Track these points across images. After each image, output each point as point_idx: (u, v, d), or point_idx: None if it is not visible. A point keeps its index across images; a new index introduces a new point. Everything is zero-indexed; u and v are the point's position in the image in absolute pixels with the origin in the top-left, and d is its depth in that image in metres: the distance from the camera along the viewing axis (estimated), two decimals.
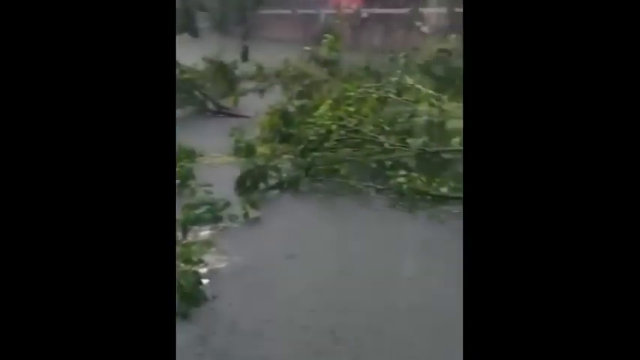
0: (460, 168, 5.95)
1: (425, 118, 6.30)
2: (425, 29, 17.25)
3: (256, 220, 5.10)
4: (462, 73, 6.72)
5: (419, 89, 6.75)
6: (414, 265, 4.28)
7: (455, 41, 9.61)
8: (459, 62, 9.05)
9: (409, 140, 6.23)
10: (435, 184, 5.66)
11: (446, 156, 6.12)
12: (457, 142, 6.00)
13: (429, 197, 5.57)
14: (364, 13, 19.46)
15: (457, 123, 6.12)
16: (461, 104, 6.56)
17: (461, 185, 5.71)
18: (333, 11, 20.00)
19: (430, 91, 6.69)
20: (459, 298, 3.70)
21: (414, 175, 5.73)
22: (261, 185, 5.85)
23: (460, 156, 6.10)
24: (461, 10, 18.09)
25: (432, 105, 6.40)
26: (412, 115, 6.52)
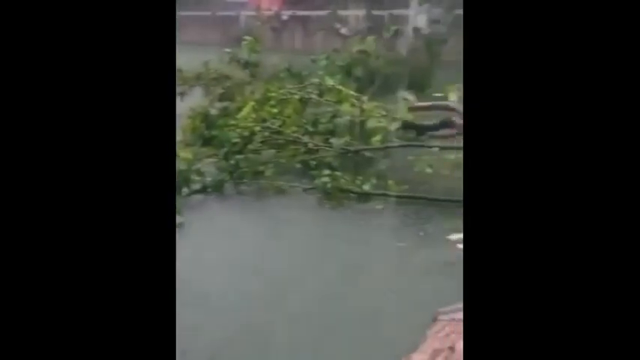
0: (380, 165, 6.12)
1: (346, 118, 6.42)
2: (344, 31, 17.53)
3: (180, 226, 5.01)
4: (380, 73, 6.90)
5: (340, 90, 6.86)
6: (342, 263, 4.34)
7: (373, 43, 9.84)
8: (377, 63, 9.29)
9: (332, 140, 6.34)
10: (358, 182, 5.78)
11: (367, 154, 6.28)
12: (377, 140, 6.16)
13: (353, 195, 5.68)
14: (284, 15, 19.52)
15: (376, 122, 6.29)
16: (379, 104, 6.74)
17: (382, 182, 5.87)
18: (252, 13, 19.92)
19: (351, 92, 6.81)
20: (388, 292, 3.81)
21: (338, 174, 5.83)
22: (184, 190, 5.74)
23: (380, 154, 6.28)
24: (378, 12, 18.56)
25: (352, 105, 6.53)
26: (334, 116, 6.63)
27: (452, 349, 2.92)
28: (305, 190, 5.82)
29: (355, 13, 18.42)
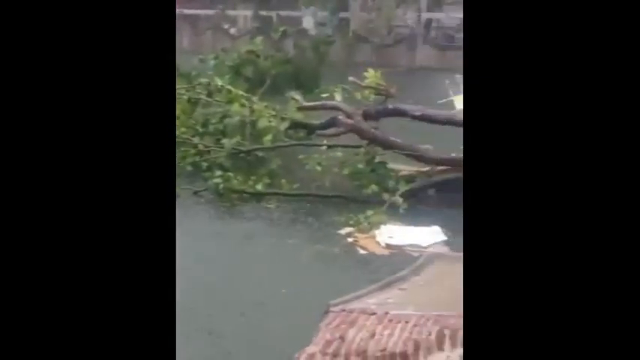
0: (272, 165, 6.20)
1: (237, 118, 6.42)
2: (233, 31, 17.43)
3: None
4: (269, 73, 6.88)
5: (229, 90, 6.85)
6: (234, 261, 4.37)
7: (261, 43, 9.90)
8: (266, 63, 9.36)
9: (223, 141, 6.31)
10: (250, 182, 5.81)
11: (259, 154, 6.33)
12: (268, 140, 6.23)
13: (245, 195, 5.71)
14: None
15: (267, 122, 6.35)
16: (269, 104, 6.81)
17: (274, 181, 5.96)
18: None
19: (240, 92, 6.82)
20: (280, 288, 3.89)
21: (230, 174, 5.83)
22: None
23: (271, 153, 6.35)
24: (265, 13, 18.50)
25: (242, 105, 6.55)
26: (224, 116, 6.61)
27: (342, 338, 3.07)
28: (196, 192, 5.77)
29: (243, 13, 18.36)
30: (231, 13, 18.34)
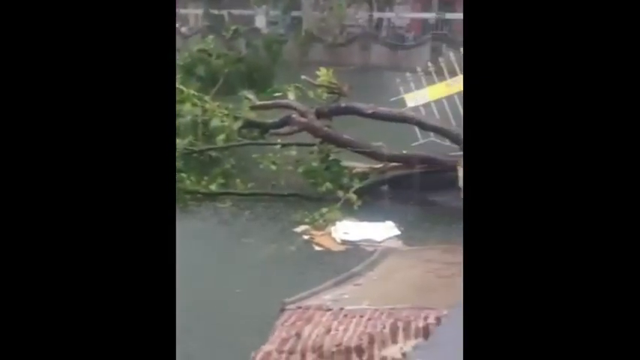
0: (226, 164, 6.15)
1: (189, 118, 6.34)
2: (184, 30, 17.20)
3: None
4: (221, 72, 6.79)
5: (181, 89, 6.76)
6: (188, 262, 4.33)
7: (213, 42, 9.82)
8: (218, 62, 9.29)
9: (176, 141, 6.23)
10: (204, 183, 5.76)
11: (213, 154, 6.27)
12: (221, 139, 6.18)
13: (199, 196, 5.66)
14: None
15: (220, 121, 6.31)
16: (222, 103, 6.76)
17: (228, 181, 5.91)
18: None
19: (192, 91, 6.75)
20: (235, 288, 3.88)
21: (183, 175, 5.76)
22: None
23: (225, 153, 6.31)
24: (217, 11, 18.31)
25: (194, 105, 6.47)
26: (176, 116, 6.52)
27: (298, 335, 3.09)
28: None
29: (194, 12, 18.15)
30: (182, 11, 18.09)
